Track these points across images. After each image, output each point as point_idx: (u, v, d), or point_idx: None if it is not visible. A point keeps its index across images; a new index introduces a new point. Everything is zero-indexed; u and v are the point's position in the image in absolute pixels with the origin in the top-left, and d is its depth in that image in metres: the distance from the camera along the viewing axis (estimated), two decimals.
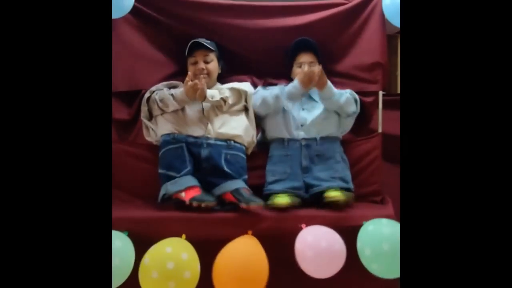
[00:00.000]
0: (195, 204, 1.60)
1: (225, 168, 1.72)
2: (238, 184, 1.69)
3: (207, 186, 1.71)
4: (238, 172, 1.75)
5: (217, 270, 1.43)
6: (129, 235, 1.50)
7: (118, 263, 1.37)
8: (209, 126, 1.77)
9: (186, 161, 1.72)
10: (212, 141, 1.75)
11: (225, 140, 1.76)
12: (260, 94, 1.87)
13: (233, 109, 1.83)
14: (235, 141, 1.78)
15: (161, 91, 1.81)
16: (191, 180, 1.68)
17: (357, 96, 1.87)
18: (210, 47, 1.84)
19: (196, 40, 1.83)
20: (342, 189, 1.72)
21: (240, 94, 1.84)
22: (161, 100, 1.77)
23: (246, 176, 1.78)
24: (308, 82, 1.76)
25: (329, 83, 1.77)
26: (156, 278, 1.33)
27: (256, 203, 1.58)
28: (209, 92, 1.76)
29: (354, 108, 1.86)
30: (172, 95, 1.76)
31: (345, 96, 1.81)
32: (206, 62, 1.85)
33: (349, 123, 1.90)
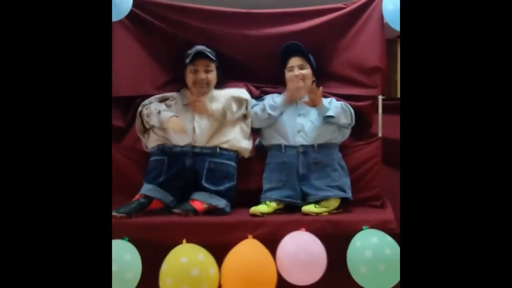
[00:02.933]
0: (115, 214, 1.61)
1: (203, 182, 1.73)
2: (201, 196, 1.71)
3: (187, 194, 1.74)
4: (218, 182, 1.74)
5: (226, 274, 1.43)
6: (130, 241, 1.50)
7: (131, 276, 1.41)
8: (196, 134, 1.76)
9: (162, 174, 1.74)
10: (198, 150, 1.75)
11: (211, 148, 1.76)
12: (253, 110, 1.88)
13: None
14: (221, 148, 1.78)
15: (150, 106, 1.81)
16: (146, 189, 1.71)
17: (351, 108, 1.87)
18: (212, 57, 1.84)
19: (200, 50, 1.81)
20: (338, 198, 1.75)
21: (241, 102, 1.84)
22: (148, 116, 1.79)
23: (230, 184, 1.77)
24: (293, 99, 1.80)
25: (322, 103, 1.78)
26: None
27: (183, 211, 1.64)
28: (214, 104, 1.77)
29: (349, 120, 1.86)
30: (159, 112, 1.76)
31: (337, 109, 1.81)
32: (207, 72, 1.84)
33: (346, 133, 1.91)
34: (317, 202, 1.73)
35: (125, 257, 1.41)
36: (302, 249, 1.46)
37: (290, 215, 1.71)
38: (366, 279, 1.46)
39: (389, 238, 1.50)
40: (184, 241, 1.50)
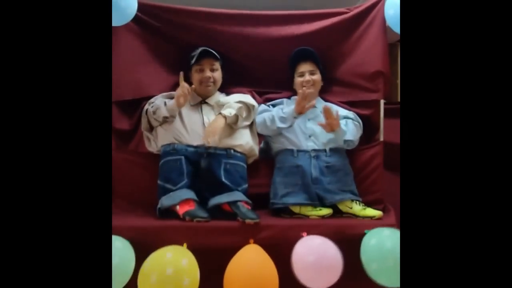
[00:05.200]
0: (187, 219, 1.60)
1: (223, 179, 1.72)
2: (236, 196, 1.68)
3: (206, 196, 1.72)
4: (237, 182, 1.74)
5: (228, 281, 1.42)
6: (131, 244, 1.49)
7: (117, 261, 1.37)
8: None
9: (184, 174, 1.71)
10: (212, 150, 1.74)
11: (225, 149, 1.76)
12: (261, 117, 1.88)
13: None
14: (235, 150, 1.78)
15: (156, 102, 1.81)
16: (185, 193, 1.68)
17: (360, 121, 1.89)
18: (218, 56, 1.85)
19: (205, 48, 1.83)
20: (353, 201, 1.76)
21: (249, 108, 1.84)
22: (154, 111, 1.78)
23: (245, 186, 1.78)
24: (302, 109, 1.78)
25: (341, 127, 1.78)
26: (155, 283, 1.32)
27: (252, 220, 1.58)
28: (227, 110, 1.76)
29: (359, 134, 1.89)
30: (165, 103, 1.77)
31: (354, 133, 1.83)
32: (212, 71, 1.85)
33: (355, 143, 1.91)
34: (329, 205, 1.75)
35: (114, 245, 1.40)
36: (322, 256, 1.45)
37: (292, 219, 1.71)
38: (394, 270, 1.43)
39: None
40: (185, 245, 1.50)
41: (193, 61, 1.83)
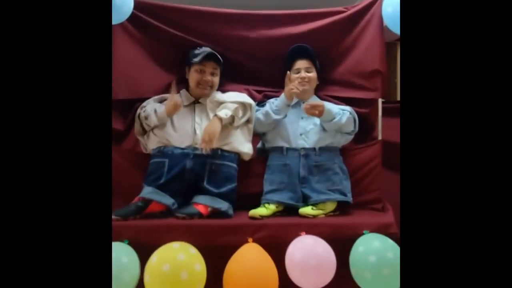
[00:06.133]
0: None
1: (205, 182, 1.73)
2: (204, 200, 1.70)
3: (190, 197, 1.73)
4: (219, 184, 1.74)
5: (229, 280, 1.43)
6: (129, 243, 1.50)
7: (127, 278, 1.40)
8: (197, 135, 1.76)
9: (162, 176, 1.72)
10: (198, 151, 1.74)
11: (213, 149, 1.74)
12: (255, 116, 1.88)
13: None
14: (222, 150, 1.78)
15: (147, 108, 1.81)
16: (145, 192, 1.69)
17: (356, 115, 1.87)
18: (221, 61, 1.84)
19: (211, 52, 1.82)
20: (338, 202, 1.76)
21: (245, 107, 1.84)
22: (146, 118, 1.79)
23: (231, 186, 1.76)
24: (291, 95, 1.78)
25: (326, 107, 1.75)
26: (168, 270, 1.35)
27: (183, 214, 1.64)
28: (223, 111, 1.75)
29: (352, 127, 1.86)
30: (155, 110, 1.77)
31: (346, 116, 1.80)
32: (212, 75, 1.84)
33: (348, 138, 1.90)
34: (314, 204, 1.73)
35: (122, 259, 1.41)
36: (311, 255, 1.45)
37: (291, 218, 1.71)
38: (370, 284, 1.45)
39: (391, 242, 1.50)
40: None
41: (196, 59, 1.80)
